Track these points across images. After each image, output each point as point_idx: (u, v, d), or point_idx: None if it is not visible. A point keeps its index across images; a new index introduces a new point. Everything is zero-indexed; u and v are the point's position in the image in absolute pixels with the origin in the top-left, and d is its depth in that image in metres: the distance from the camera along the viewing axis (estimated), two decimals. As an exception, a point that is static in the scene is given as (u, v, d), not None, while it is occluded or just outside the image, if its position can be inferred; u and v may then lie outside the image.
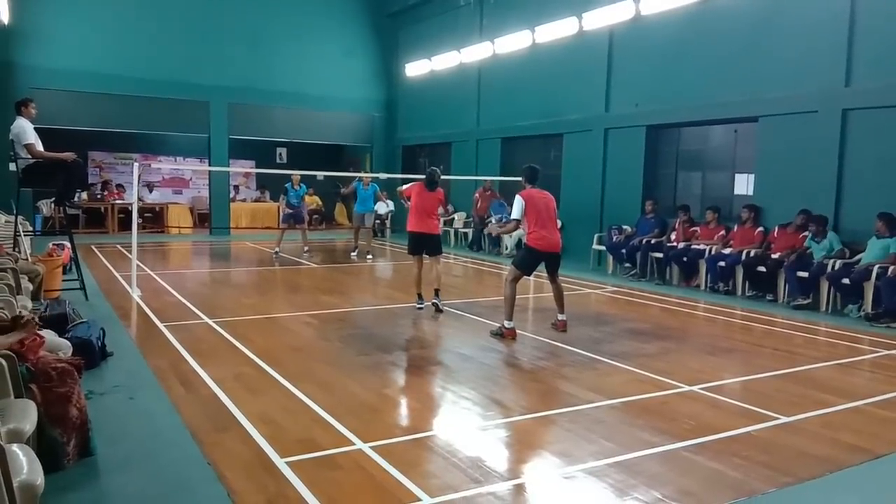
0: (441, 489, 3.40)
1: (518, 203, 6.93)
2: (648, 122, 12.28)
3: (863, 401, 5.04)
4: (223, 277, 11.67)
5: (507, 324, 6.79)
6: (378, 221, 16.80)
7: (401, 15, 19.51)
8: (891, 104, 8.81)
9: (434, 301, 8.13)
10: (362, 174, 16.19)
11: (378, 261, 13.58)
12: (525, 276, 7.30)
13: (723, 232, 10.57)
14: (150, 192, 19.95)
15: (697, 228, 11.00)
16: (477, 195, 15.61)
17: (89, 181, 19.51)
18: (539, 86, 14.60)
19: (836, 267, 8.71)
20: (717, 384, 5.39)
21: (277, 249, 13.37)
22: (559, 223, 7.24)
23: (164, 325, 6.99)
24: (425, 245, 8.26)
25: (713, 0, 10.90)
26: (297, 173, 13.79)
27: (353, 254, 13.82)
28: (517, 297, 7.01)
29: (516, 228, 7.38)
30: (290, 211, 13.77)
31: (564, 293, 7.28)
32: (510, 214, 7.20)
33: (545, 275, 7.41)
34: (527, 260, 7.11)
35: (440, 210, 8.49)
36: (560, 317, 7.21)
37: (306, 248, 14.01)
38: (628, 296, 9.86)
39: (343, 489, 3.40)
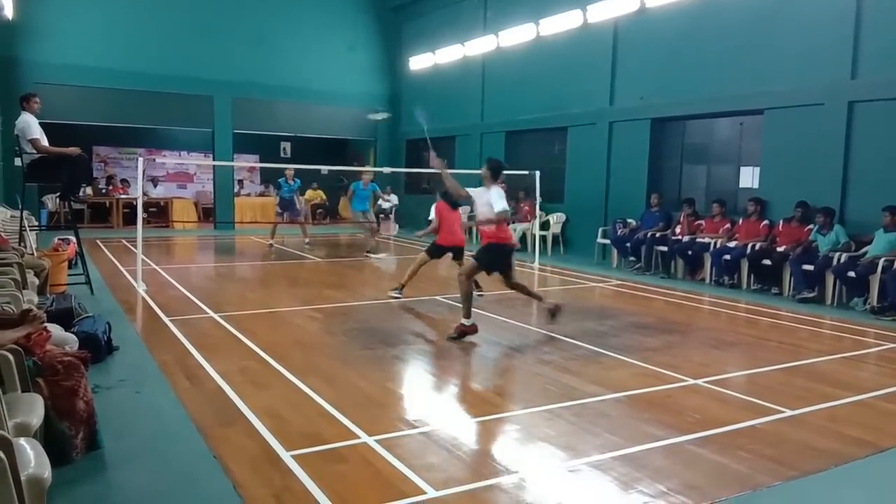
0: (445, 482, 3.41)
1: (500, 193, 6.62)
2: (653, 116, 12.23)
3: (868, 394, 5.03)
4: (228, 272, 11.70)
5: (464, 321, 6.50)
6: (382, 216, 16.82)
7: (404, 8, 19.46)
8: (897, 96, 8.77)
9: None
10: (361, 167, 16.18)
11: (382, 255, 13.57)
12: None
13: (728, 225, 10.54)
14: (155, 186, 20.00)
15: (702, 222, 10.97)
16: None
17: (94, 176, 19.55)
18: (543, 79, 14.55)
19: (842, 260, 8.68)
20: (722, 378, 5.38)
21: (272, 242, 13.47)
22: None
23: (170, 320, 7.02)
24: (452, 252, 8.85)
25: (718, -8, 10.87)
26: (290, 167, 13.87)
27: (370, 253, 13.04)
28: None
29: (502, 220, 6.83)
30: (281, 206, 13.96)
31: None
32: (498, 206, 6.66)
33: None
34: (486, 258, 6.73)
35: (463, 220, 9.31)
36: (546, 303, 6.87)
37: (307, 241, 14.06)
38: (633, 289, 9.84)
39: (348, 482, 3.41)
